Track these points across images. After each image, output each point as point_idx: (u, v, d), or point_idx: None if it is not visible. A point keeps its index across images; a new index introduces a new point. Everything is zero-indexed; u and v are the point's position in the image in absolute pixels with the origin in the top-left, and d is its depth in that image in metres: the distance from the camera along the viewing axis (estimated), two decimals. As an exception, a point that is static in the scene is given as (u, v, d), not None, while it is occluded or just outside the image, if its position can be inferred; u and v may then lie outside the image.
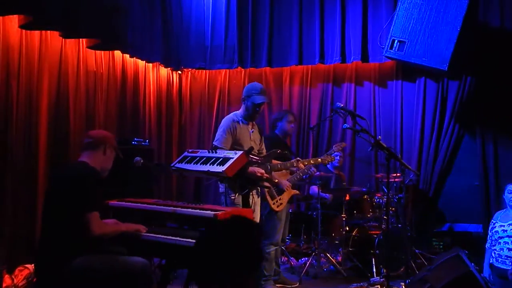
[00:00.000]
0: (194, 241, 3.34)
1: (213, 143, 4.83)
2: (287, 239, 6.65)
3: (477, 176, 7.03)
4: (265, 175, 4.72)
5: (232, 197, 4.55)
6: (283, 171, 5.45)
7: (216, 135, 4.89)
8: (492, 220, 5.47)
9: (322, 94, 8.05)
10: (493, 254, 5.29)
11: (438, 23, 6.34)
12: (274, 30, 7.81)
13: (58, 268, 3.22)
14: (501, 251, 5.16)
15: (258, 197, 4.87)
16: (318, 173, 6.54)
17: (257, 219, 4.82)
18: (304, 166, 5.50)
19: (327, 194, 6.85)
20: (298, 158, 5.46)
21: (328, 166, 7.07)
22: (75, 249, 3.27)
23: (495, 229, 5.32)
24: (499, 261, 5.17)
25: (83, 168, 3.48)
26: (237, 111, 5.09)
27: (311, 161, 5.68)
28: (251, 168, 4.55)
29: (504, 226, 5.24)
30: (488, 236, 5.45)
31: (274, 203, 5.34)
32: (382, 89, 7.75)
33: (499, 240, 5.21)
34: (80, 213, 3.28)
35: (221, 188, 4.79)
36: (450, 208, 7.24)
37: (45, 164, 5.34)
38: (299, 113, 8.08)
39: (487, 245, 5.42)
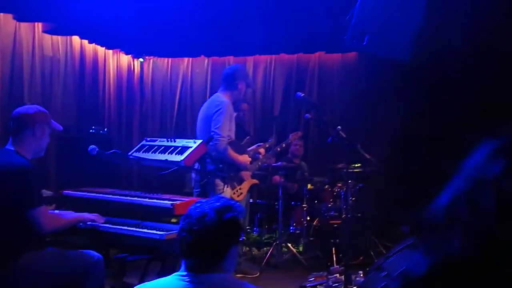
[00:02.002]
0: (153, 232, 3.28)
1: (214, 130, 4.48)
2: (248, 229, 6.62)
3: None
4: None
5: (219, 190, 4.45)
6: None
7: (217, 121, 4.52)
8: None
9: (286, 83, 8.04)
10: None
11: (400, 13, 6.37)
12: (239, 19, 7.72)
13: (2, 266, 3.04)
14: None
15: (227, 187, 4.74)
16: (280, 163, 6.54)
17: None
18: (263, 155, 5.48)
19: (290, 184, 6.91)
20: (259, 144, 5.43)
21: (289, 156, 7.09)
22: (21, 246, 3.10)
23: None
24: None
25: (15, 161, 3.16)
26: (220, 94, 4.80)
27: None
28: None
29: None
30: None
31: (234, 193, 5.31)
32: (345, 79, 7.78)
33: None
34: (24, 211, 3.08)
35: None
36: (410, 196, 7.31)
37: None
38: (262, 102, 8.07)
39: None
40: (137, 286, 2.01)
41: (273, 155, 6.14)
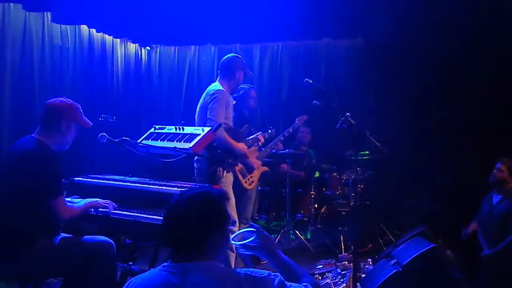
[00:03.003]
0: (161, 218, 3.31)
1: (209, 117, 4.51)
2: (256, 216, 6.66)
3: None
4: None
5: (218, 177, 4.44)
6: (252, 148, 5.40)
7: (212, 109, 4.53)
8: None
9: (292, 70, 8.04)
10: None
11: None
12: (244, 6, 7.70)
13: (17, 252, 3.08)
14: None
15: (227, 173, 4.71)
16: (288, 150, 6.54)
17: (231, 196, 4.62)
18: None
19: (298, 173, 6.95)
20: (258, 133, 5.41)
21: (296, 143, 7.10)
22: (37, 232, 3.14)
23: None
24: None
25: (40, 151, 3.20)
26: (217, 83, 4.82)
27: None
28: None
29: None
30: None
31: (246, 181, 5.32)
32: (353, 65, 7.75)
33: None
34: (45, 200, 3.12)
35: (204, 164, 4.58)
36: (418, 184, 7.26)
37: (7, 141, 5.22)
38: (269, 89, 8.06)
39: None
40: (132, 278, 2.01)
41: (281, 141, 6.12)
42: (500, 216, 4.82)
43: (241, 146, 4.73)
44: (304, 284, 1.97)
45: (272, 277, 1.92)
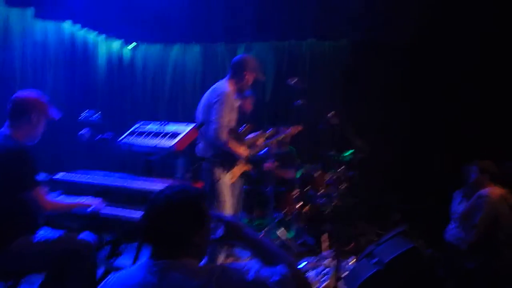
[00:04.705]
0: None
1: (213, 120, 4.35)
2: (240, 214, 6.65)
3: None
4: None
5: (217, 175, 4.43)
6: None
7: (216, 111, 4.36)
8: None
9: (277, 70, 8.05)
10: None
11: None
12: (230, 5, 7.69)
13: None
14: None
15: (226, 173, 4.63)
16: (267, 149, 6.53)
17: (227, 198, 4.59)
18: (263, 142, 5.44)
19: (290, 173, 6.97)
20: (257, 133, 5.38)
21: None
22: (15, 229, 3.10)
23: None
24: None
25: (9, 144, 3.14)
26: (223, 83, 4.67)
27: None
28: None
29: None
30: None
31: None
32: (336, 66, 7.79)
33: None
34: (19, 194, 3.07)
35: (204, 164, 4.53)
36: (400, 184, 7.32)
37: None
38: (254, 88, 8.04)
39: None
40: (111, 276, 1.99)
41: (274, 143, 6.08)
42: (460, 216, 5.01)
43: (242, 151, 4.61)
44: (278, 266, 1.97)
45: (249, 268, 1.93)
